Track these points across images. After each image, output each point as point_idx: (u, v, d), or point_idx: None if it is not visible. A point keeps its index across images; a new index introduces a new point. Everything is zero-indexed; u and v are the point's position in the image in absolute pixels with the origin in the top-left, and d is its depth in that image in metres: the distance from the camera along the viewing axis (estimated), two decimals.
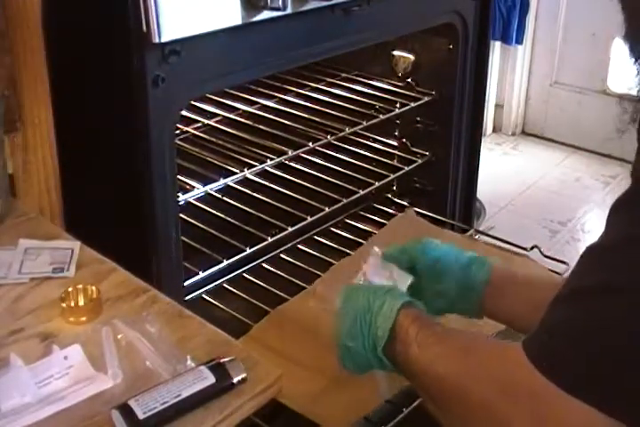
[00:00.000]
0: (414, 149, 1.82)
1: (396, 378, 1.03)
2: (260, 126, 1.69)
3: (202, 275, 1.38)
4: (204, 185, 1.42)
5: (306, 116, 1.72)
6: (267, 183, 1.67)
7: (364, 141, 1.85)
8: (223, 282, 1.52)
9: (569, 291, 0.71)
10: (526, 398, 0.69)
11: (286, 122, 1.70)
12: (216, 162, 1.57)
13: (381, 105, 1.74)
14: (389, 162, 1.82)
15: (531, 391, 0.69)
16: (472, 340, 0.85)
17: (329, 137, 1.63)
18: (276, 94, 1.80)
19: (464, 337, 0.87)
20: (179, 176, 1.26)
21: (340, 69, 1.90)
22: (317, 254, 1.64)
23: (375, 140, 1.86)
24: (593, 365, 0.66)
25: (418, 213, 1.70)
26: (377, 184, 1.70)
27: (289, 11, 1.12)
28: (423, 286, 1.07)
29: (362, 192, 1.67)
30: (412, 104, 1.72)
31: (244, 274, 1.56)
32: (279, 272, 1.57)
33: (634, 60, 0.73)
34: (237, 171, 1.50)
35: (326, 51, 1.32)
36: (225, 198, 1.61)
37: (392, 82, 1.82)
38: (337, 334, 0.96)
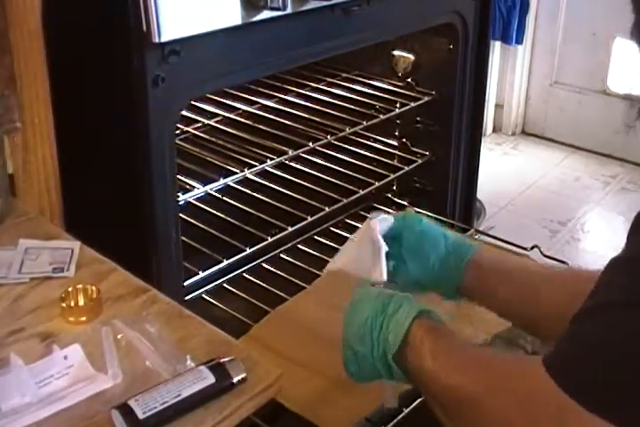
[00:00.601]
0: (414, 149, 1.82)
1: (401, 386, 1.02)
2: (260, 126, 1.69)
3: (202, 275, 1.38)
4: (204, 185, 1.42)
5: (306, 116, 1.72)
6: (267, 183, 1.67)
7: (364, 141, 1.85)
8: (223, 282, 1.52)
9: (592, 305, 0.70)
10: (547, 414, 0.69)
11: (286, 122, 1.70)
12: (216, 162, 1.57)
13: (381, 105, 1.74)
14: (389, 162, 1.82)
15: (552, 408, 0.68)
16: (490, 353, 0.85)
17: (329, 137, 1.63)
18: (276, 94, 1.80)
19: (482, 351, 0.86)
20: (179, 176, 1.26)
21: (340, 69, 1.90)
22: (317, 254, 1.64)
23: (375, 140, 1.86)
24: (617, 382, 0.65)
25: (418, 212, 1.70)
26: (377, 184, 1.70)
27: (289, 11, 1.12)
28: (405, 257, 1.05)
29: (362, 192, 1.67)
30: (412, 104, 1.72)
31: (244, 274, 1.56)
32: (279, 272, 1.57)
33: None
34: (237, 171, 1.50)
35: (326, 51, 1.32)
36: (225, 198, 1.61)
37: (392, 82, 1.82)
38: (344, 336, 0.92)
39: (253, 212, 1.59)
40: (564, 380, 0.67)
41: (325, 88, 1.83)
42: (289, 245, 1.66)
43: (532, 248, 1.49)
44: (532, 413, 0.70)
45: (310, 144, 1.60)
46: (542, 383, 0.68)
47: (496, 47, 2.92)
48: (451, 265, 1.04)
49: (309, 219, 1.56)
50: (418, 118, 1.79)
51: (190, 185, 1.41)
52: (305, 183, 1.71)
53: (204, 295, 1.47)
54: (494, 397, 0.74)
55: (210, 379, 0.75)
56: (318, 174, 1.74)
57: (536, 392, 0.69)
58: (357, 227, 1.76)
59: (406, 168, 1.77)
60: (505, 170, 2.89)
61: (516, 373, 0.74)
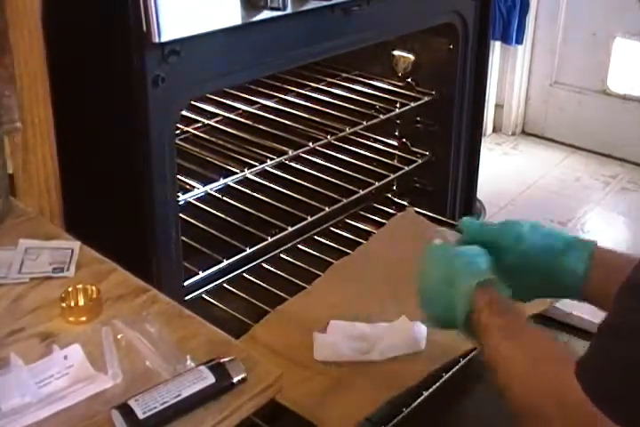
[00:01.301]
0: (414, 149, 1.82)
1: None
2: (260, 126, 1.69)
3: (202, 275, 1.38)
4: (204, 185, 1.42)
5: (306, 116, 1.72)
6: (267, 183, 1.67)
7: (364, 141, 1.85)
8: (223, 282, 1.52)
9: (619, 323, 0.71)
10: (579, 421, 0.71)
11: (286, 122, 1.70)
12: (216, 162, 1.57)
13: (381, 105, 1.74)
14: (389, 162, 1.82)
15: (582, 416, 0.70)
16: (540, 348, 0.83)
17: (329, 137, 1.63)
18: (276, 94, 1.80)
19: (533, 341, 0.85)
20: (179, 176, 1.26)
21: (340, 69, 1.90)
22: (317, 254, 1.64)
23: (375, 140, 1.86)
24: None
25: (418, 212, 1.70)
26: (377, 184, 1.70)
27: (289, 11, 1.12)
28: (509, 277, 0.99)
29: (362, 192, 1.67)
30: (412, 104, 1.72)
31: (244, 274, 1.56)
32: (279, 272, 1.57)
33: None
34: (237, 171, 1.50)
35: (326, 51, 1.32)
36: (225, 198, 1.61)
37: (392, 82, 1.82)
38: (419, 295, 0.96)
39: (253, 212, 1.59)
40: (591, 389, 0.69)
41: (325, 88, 1.83)
42: (289, 245, 1.66)
43: None
44: (566, 416, 0.73)
45: (310, 144, 1.60)
46: (574, 390, 0.70)
47: (496, 47, 2.91)
48: (560, 279, 0.97)
49: (309, 219, 1.56)
50: (418, 118, 1.79)
51: (190, 185, 1.41)
52: (305, 183, 1.71)
53: (204, 295, 1.47)
54: (540, 400, 0.76)
55: (210, 379, 0.75)
56: (318, 174, 1.74)
57: (576, 407, 0.71)
58: (357, 227, 1.77)
59: (406, 168, 1.77)
60: (505, 170, 2.88)
61: (562, 383, 0.75)
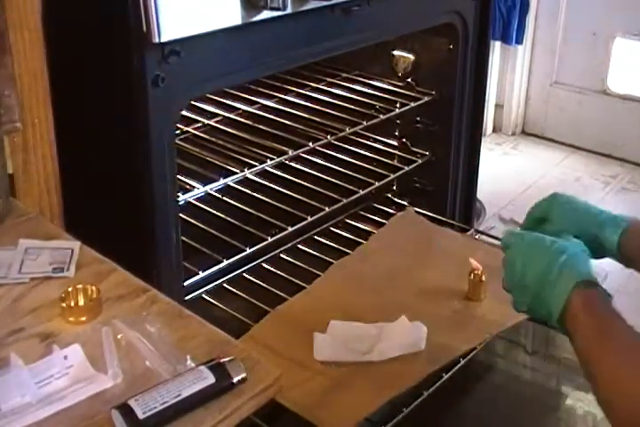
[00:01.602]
0: (414, 149, 1.82)
1: None
2: (260, 126, 1.69)
3: (202, 275, 1.38)
4: (204, 185, 1.42)
5: (306, 116, 1.72)
6: (267, 183, 1.67)
7: (364, 141, 1.85)
8: (223, 282, 1.52)
9: None
10: None
11: (286, 122, 1.70)
12: (216, 162, 1.57)
13: (381, 105, 1.74)
14: (389, 162, 1.82)
15: None
16: (629, 353, 0.84)
17: (329, 137, 1.63)
18: (276, 94, 1.80)
19: (622, 346, 0.85)
20: (179, 176, 1.26)
21: (339, 69, 1.90)
22: (317, 254, 1.64)
23: (375, 140, 1.86)
24: None
25: (418, 212, 1.70)
26: (377, 184, 1.70)
27: (289, 11, 1.12)
28: None
29: (362, 192, 1.67)
30: (412, 104, 1.72)
31: (244, 274, 1.56)
32: (279, 272, 1.57)
33: None
34: (237, 171, 1.50)
35: (326, 51, 1.32)
36: (225, 198, 1.61)
37: (392, 82, 1.82)
38: (515, 284, 0.95)
39: (253, 212, 1.59)
40: None
41: (325, 88, 1.83)
42: (289, 245, 1.66)
43: None
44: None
45: (310, 144, 1.60)
46: None
47: (496, 47, 2.92)
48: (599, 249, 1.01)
49: (309, 219, 1.56)
50: (418, 118, 1.79)
51: (190, 185, 1.41)
52: (305, 183, 1.71)
53: (204, 295, 1.47)
54: (610, 393, 0.79)
55: (210, 379, 0.75)
56: (318, 174, 1.74)
57: None
58: (357, 227, 1.77)
59: (406, 168, 1.77)
60: (505, 170, 2.89)
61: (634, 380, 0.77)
